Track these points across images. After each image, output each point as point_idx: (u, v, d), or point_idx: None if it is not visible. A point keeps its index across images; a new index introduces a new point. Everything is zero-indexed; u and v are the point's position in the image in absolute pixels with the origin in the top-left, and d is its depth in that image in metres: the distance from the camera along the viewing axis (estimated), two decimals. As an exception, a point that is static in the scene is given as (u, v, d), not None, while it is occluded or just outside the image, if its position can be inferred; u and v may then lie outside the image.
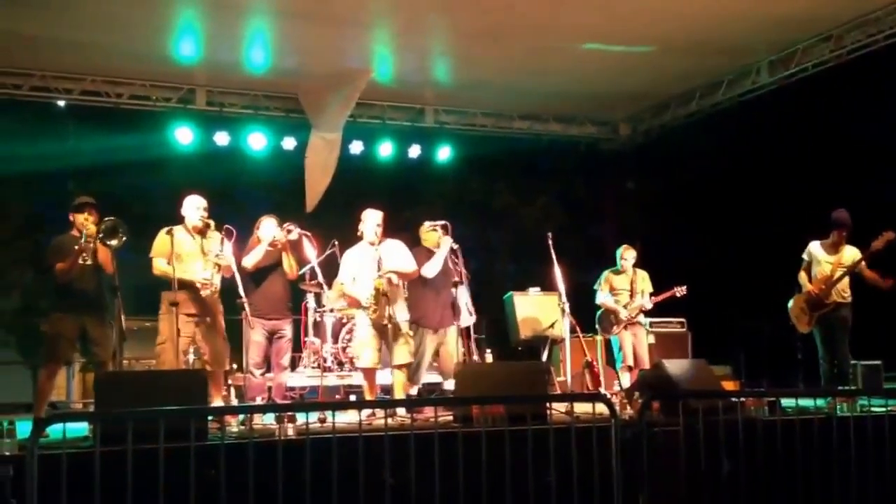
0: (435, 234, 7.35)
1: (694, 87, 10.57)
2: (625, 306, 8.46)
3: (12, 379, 10.12)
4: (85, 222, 6.18)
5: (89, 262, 6.15)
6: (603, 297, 8.57)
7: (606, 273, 8.66)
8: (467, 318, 7.50)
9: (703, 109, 10.71)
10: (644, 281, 8.60)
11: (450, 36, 8.86)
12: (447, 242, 7.25)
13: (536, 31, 8.69)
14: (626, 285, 8.54)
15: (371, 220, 6.94)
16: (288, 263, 6.98)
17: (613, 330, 8.47)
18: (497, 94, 10.67)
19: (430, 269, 7.21)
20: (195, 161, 10.37)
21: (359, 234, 7.01)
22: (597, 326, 8.73)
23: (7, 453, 4.39)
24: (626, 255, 8.57)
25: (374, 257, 6.86)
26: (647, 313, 8.71)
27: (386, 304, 6.69)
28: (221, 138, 10.30)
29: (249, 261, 6.83)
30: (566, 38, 8.90)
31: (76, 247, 6.10)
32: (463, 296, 7.40)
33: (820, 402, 6.68)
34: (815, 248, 7.63)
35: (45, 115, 10.17)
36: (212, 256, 6.48)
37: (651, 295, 8.53)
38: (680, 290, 8.56)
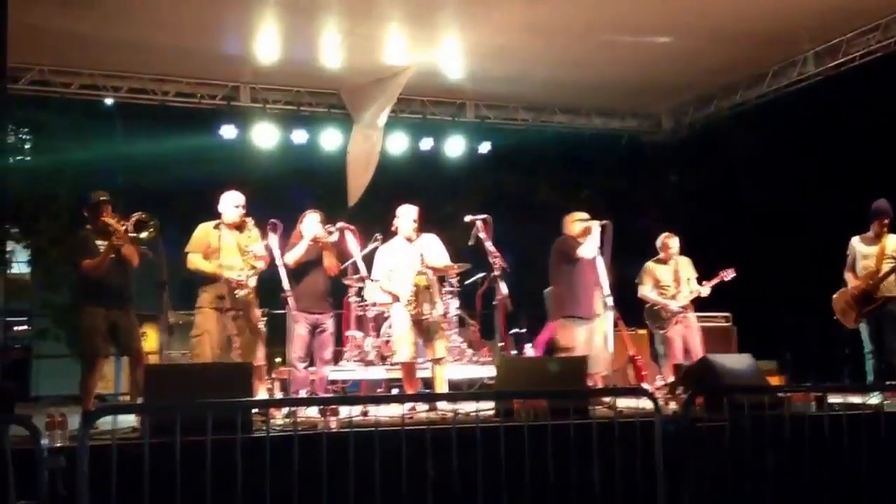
0: (580, 224, 7.31)
1: (738, 78, 10.42)
2: (672, 298, 8.09)
3: (63, 371, 10.36)
4: (107, 219, 6.28)
5: (113, 256, 6.26)
6: (646, 292, 8.23)
7: (648, 265, 8.30)
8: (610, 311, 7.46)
9: (747, 101, 10.55)
10: (688, 268, 8.21)
11: (491, 30, 8.84)
12: (598, 226, 7.20)
13: (578, 24, 8.63)
14: (670, 276, 8.17)
15: (407, 215, 6.97)
16: (329, 261, 7.04)
17: (666, 326, 8.08)
18: (538, 88, 10.62)
19: (588, 250, 7.14)
20: (239, 157, 10.50)
21: (393, 229, 7.05)
22: (646, 322, 8.37)
23: (59, 444, 4.49)
24: (670, 244, 8.18)
25: (412, 252, 6.89)
26: (698, 305, 8.23)
27: (428, 298, 6.73)
28: (265, 135, 10.40)
29: (290, 258, 6.89)
30: (607, 31, 8.83)
31: (103, 244, 6.21)
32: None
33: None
34: (856, 242, 7.47)
35: (93, 113, 10.38)
36: (249, 257, 6.55)
37: (701, 281, 8.11)
38: (727, 274, 8.11)
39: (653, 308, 8.24)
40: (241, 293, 6.49)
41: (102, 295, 6.29)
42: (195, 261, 6.57)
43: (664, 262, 8.26)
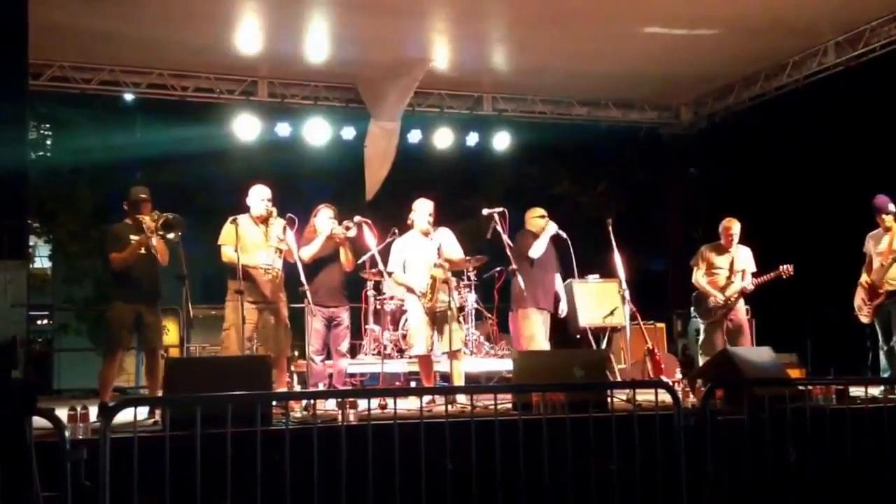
0: (541, 220, 7.44)
1: (758, 69, 10.32)
2: (723, 288, 7.72)
3: (85, 365, 10.48)
4: (142, 216, 6.34)
5: (144, 252, 6.31)
6: (697, 278, 7.81)
7: (704, 249, 7.87)
8: (563, 308, 7.63)
9: (767, 92, 10.46)
10: (746, 259, 7.77)
11: (508, 23, 8.82)
12: (552, 227, 7.36)
13: (596, 15, 8.58)
14: (725, 263, 7.74)
15: (423, 209, 7.00)
16: (345, 257, 7.08)
17: (709, 317, 7.76)
18: (556, 81, 10.57)
19: (537, 250, 7.31)
20: (258, 152, 10.56)
21: (409, 223, 7.07)
22: (692, 310, 8.09)
23: (81, 437, 4.54)
24: (732, 229, 7.68)
25: (427, 246, 6.93)
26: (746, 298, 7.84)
27: (444, 291, 6.77)
28: (283, 129, 10.44)
29: (306, 253, 6.92)
30: (627, 21, 8.78)
31: (135, 239, 6.27)
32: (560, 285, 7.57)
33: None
34: (869, 239, 7.44)
35: (113, 109, 10.47)
36: (273, 241, 6.61)
37: (753, 275, 7.74)
38: (786, 270, 7.61)
39: (700, 296, 7.91)
40: (268, 277, 6.56)
41: (131, 289, 6.35)
42: (228, 253, 6.61)
43: (724, 249, 7.79)
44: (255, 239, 6.66)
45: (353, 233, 7.06)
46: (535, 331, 7.37)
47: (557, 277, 7.69)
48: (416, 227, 7.03)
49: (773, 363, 6.43)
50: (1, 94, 5.38)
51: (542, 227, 7.45)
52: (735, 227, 7.78)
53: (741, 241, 7.84)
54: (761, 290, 8.02)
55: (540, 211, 7.55)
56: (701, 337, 7.94)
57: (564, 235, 7.46)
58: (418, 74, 9.78)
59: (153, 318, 6.45)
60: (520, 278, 7.13)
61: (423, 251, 6.94)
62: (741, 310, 7.86)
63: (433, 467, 4.10)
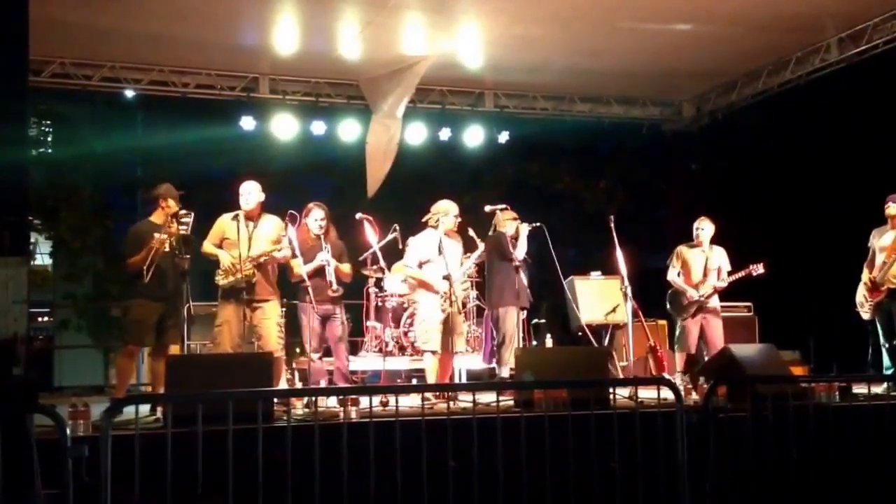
0: (514, 223, 7.45)
1: (761, 65, 10.30)
2: (696, 286, 7.83)
3: (85, 362, 10.48)
4: (169, 218, 6.31)
5: (167, 250, 6.28)
6: (672, 276, 7.96)
7: (680, 248, 8.01)
8: (526, 304, 7.62)
9: (770, 89, 10.44)
10: (720, 258, 7.89)
11: (510, 19, 8.79)
12: (526, 227, 7.38)
13: (598, 12, 8.56)
14: (700, 262, 7.86)
15: (455, 211, 7.05)
16: (342, 272, 7.08)
17: (684, 314, 7.87)
18: (558, 77, 10.55)
19: (521, 251, 7.35)
20: (259, 148, 10.54)
21: (434, 222, 7.04)
22: (668, 307, 8.16)
23: (82, 434, 4.53)
24: (703, 227, 7.87)
25: (455, 249, 7.09)
26: (721, 295, 7.97)
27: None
28: (284, 126, 10.41)
29: (303, 271, 6.89)
30: (629, 17, 8.76)
31: (157, 238, 6.24)
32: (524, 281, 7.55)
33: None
34: (875, 234, 7.43)
35: (114, 105, 10.45)
36: (256, 248, 6.59)
37: (728, 273, 7.83)
38: (756, 269, 7.71)
39: (675, 293, 8.00)
40: (240, 276, 6.51)
41: (158, 287, 6.30)
42: (204, 246, 6.71)
43: (696, 246, 7.95)
44: (243, 237, 6.65)
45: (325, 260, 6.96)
46: (513, 328, 7.33)
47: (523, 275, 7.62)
48: (441, 228, 7.01)
49: (776, 360, 6.42)
50: (1, 90, 5.37)
51: (516, 228, 7.41)
52: (703, 224, 7.91)
53: (717, 242, 7.97)
54: (761, 289, 8.03)
55: (512, 214, 7.55)
56: (677, 332, 8.02)
57: (539, 224, 7.47)
58: (420, 71, 9.76)
59: (175, 318, 6.42)
60: (523, 275, 7.12)
61: (451, 253, 7.02)
62: (715, 306, 7.93)
63: (435, 465, 4.09)
